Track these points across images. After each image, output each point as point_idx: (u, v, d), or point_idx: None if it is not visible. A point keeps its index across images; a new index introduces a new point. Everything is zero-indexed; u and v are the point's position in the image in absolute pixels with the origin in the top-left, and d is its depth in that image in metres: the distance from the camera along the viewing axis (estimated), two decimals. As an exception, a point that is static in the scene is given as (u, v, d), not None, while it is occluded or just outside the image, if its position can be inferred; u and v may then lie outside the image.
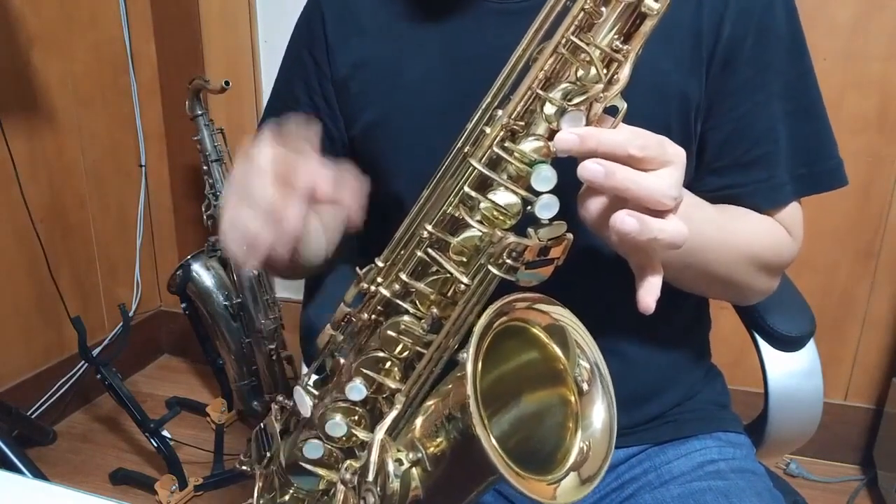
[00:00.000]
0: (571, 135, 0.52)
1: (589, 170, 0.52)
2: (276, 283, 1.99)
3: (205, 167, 1.88)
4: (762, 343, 0.94)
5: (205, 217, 1.91)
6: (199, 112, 1.84)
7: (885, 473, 1.76)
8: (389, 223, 0.79)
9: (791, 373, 0.93)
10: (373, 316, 0.63)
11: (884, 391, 1.85)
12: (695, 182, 0.79)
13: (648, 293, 0.57)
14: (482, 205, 0.57)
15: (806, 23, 0.77)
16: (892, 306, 1.80)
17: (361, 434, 0.65)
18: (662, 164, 0.54)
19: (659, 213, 0.54)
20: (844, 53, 1.65)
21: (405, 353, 0.63)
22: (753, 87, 0.75)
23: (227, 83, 1.69)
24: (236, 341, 1.96)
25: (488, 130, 0.56)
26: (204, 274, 1.93)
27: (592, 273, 0.70)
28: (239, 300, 1.93)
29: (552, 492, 0.53)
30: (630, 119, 0.55)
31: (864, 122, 1.68)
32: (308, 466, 0.68)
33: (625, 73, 0.53)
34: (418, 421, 0.58)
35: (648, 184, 0.53)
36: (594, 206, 0.56)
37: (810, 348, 0.94)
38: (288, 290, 2.08)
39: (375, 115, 0.82)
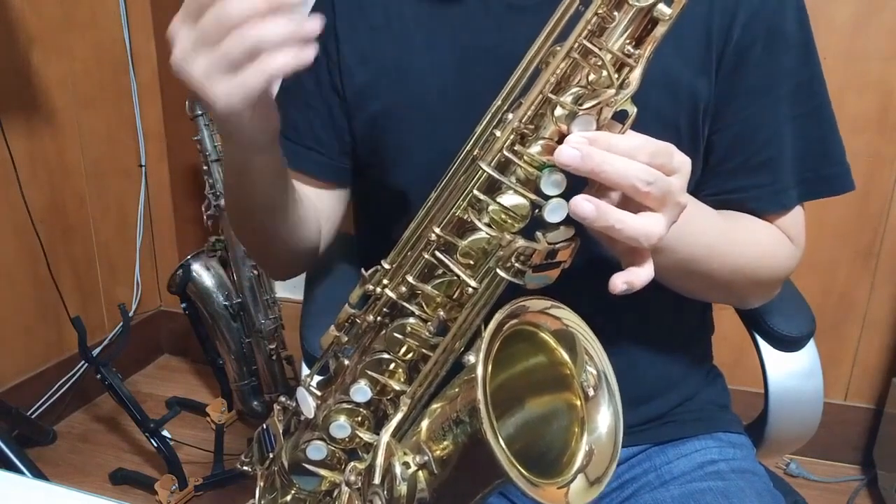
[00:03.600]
0: (573, 150, 0.52)
1: (579, 206, 0.53)
2: (276, 283, 1.99)
3: (205, 167, 1.87)
4: (762, 343, 0.94)
5: (205, 217, 1.91)
6: (199, 112, 1.84)
7: (885, 473, 1.76)
8: (392, 220, 0.79)
9: (791, 373, 0.93)
10: (378, 318, 0.63)
11: (884, 391, 1.85)
12: (700, 185, 0.79)
13: (620, 276, 0.56)
14: (491, 208, 0.57)
15: (807, 22, 0.77)
16: (892, 306, 1.81)
17: (365, 436, 0.65)
18: (670, 171, 0.55)
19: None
20: (844, 53, 1.65)
21: (410, 356, 0.63)
22: (762, 90, 0.75)
23: (227, 83, 1.69)
24: (236, 341, 1.96)
25: (498, 134, 0.56)
26: (204, 274, 1.93)
27: (596, 275, 0.71)
28: (239, 300, 1.92)
29: (563, 496, 0.53)
30: (640, 118, 0.55)
31: (864, 122, 1.68)
32: (311, 467, 0.68)
33: (636, 78, 0.53)
34: (424, 424, 0.58)
35: (635, 224, 0.54)
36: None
37: (810, 348, 0.94)
38: (288, 290, 2.08)
39: (382, 106, 0.81)
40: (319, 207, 0.91)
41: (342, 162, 0.89)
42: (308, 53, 0.52)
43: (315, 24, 0.52)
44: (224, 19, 0.51)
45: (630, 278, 0.56)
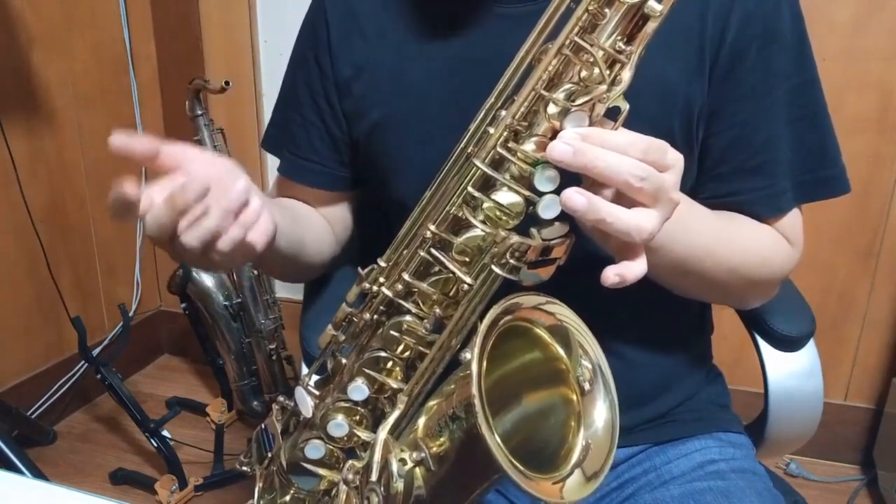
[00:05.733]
0: (565, 146, 0.53)
1: (571, 199, 0.53)
2: (276, 283, 1.99)
3: (205, 167, 1.87)
4: (762, 343, 0.94)
5: (205, 217, 1.91)
6: (199, 112, 1.84)
7: (885, 473, 1.76)
8: (391, 224, 0.79)
9: (791, 373, 0.93)
10: (375, 316, 0.63)
11: (884, 391, 1.85)
12: (696, 188, 0.78)
13: (612, 268, 0.56)
14: (485, 205, 0.57)
15: (806, 23, 0.76)
16: (892, 306, 1.81)
17: (363, 434, 0.65)
18: (663, 167, 0.55)
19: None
20: (844, 53, 1.65)
21: (407, 353, 0.63)
22: (757, 93, 0.74)
23: (227, 83, 1.69)
24: (236, 341, 1.96)
25: (492, 131, 0.57)
26: (204, 274, 1.93)
27: (594, 274, 0.71)
28: (239, 300, 1.93)
29: (558, 490, 0.53)
30: (634, 123, 0.55)
31: (864, 122, 1.68)
32: (309, 467, 0.68)
33: (627, 74, 0.53)
34: (421, 421, 0.58)
35: (626, 218, 0.54)
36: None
37: (810, 348, 0.94)
38: (288, 291, 2.08)
39: (379, 117, 0.82)
40: (329, 216, 0.93)
41: (341, 171, 0.90)
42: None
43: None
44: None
45: (622, 271, 0.56)
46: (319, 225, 0.92)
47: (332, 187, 0.91)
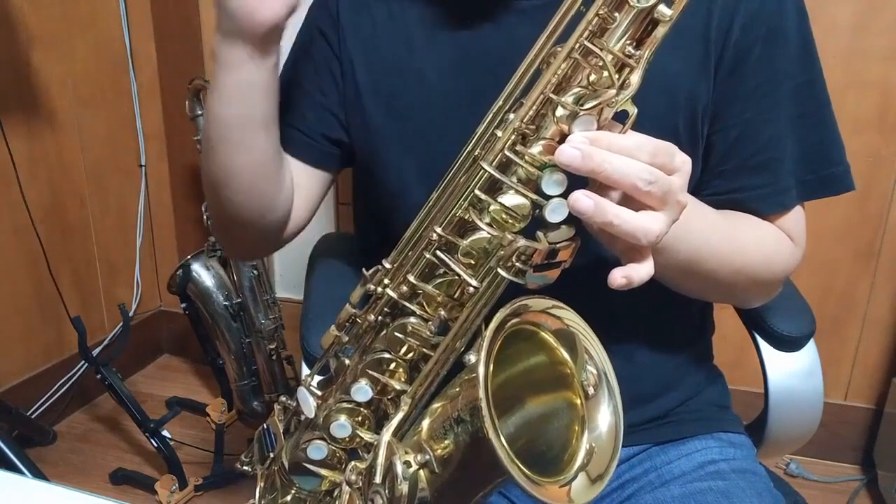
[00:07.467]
0: (573, 150, 0.52)
1: (578, 201, 0.53)
2: (276, 283, 1.99)
3: (205, 167, 1.87)
4: (762, 343, 0.95)
5: (205, 217, 1.91)
6: (199, 112, 1.84)
7: (885, 473, 1.76)
8: (392, 220, 0.79)
9: (791, 373, 0.93)
10: (379, 317, 0.63)
11: (884, 391, 1.85)
12: (700, 185, 0.79)
13: (619, 270, 0.56)
14: (492, 207, 0.57)
15: (807, 22, 0.76)
16: (892, 306, 1.81)
17: (366, 435, 0.65)
18: (671, 170, 0.55)
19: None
20: (844, 53, 1.65)
21: (411, 355, 0.63)
22: (761, 92, 0.75)
23: (227, 83, 1.69)
24: (236, 341, 1.96)
25: (500, 134, 0.57)
26: (204, 274, 1.93)
27: (598, 276, 0.71)
28: (239, 300, 1.92)
29: (566, 494, 0.53)
30: (639, 121, 0.55)
31: (864, 122, 1.68)
32: (311, 467, 0.68)
33: (636, 79, 0.53)
34: (425, 423, 0.58)
35: (634, 221, 0.54)
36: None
37: (810, 348, 0.94)
38: (288, 290, 2.08)
39: (382, 104, 0.81)
40: (297, 181, 0.87)
41: (323, 144, 0.86)
42: None
43: None
44: None
45: (629, 273, 0.56)
46: (288, 173, 0.85)
47: (308, 157, 0.87)
